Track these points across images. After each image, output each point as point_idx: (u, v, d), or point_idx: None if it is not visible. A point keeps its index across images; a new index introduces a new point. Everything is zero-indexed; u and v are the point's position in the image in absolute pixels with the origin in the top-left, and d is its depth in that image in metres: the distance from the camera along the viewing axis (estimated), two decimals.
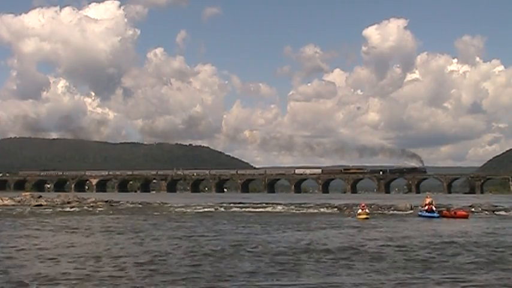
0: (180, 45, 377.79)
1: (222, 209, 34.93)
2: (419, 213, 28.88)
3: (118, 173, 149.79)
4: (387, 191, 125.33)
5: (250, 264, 11.19)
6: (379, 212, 31.96)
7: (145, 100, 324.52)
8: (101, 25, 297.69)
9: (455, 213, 27.86)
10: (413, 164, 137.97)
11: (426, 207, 28.55)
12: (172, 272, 10.13)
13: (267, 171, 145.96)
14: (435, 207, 28.61)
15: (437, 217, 27.16)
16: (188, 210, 34.15)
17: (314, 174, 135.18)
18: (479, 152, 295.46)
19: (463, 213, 27.84)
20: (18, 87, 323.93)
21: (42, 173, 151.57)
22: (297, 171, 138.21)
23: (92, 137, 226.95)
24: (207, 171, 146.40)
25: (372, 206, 34.09)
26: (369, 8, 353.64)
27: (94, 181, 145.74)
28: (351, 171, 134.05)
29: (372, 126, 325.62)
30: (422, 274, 10.11)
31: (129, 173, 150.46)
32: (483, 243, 15.43)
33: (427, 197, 30.02)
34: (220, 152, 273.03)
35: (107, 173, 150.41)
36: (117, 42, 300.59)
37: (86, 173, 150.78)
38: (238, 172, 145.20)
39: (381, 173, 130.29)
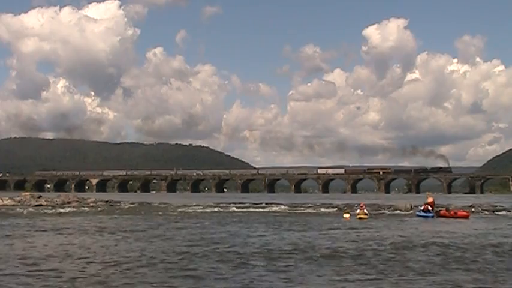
0: (179, 45, 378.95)
1: (221, 209, 34.92)
2: (417, 213, 28.89)
3: (118, 173, 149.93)
4: (387, 191, 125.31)
5: (212, 266, 10.97)
6: (379, 212, 31.93)
7: (145, 100, 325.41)
8: (101, 25, 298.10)
9: (455, 213, 27.70)
10: (440, 163, 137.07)
11: (422, 207, 28.59)
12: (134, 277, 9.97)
13: (288, 171, 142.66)
14: (431, 206, 28.45)
15: (431, 217, 27.14)
16: (187, 210, 34.14)
17: (338, 174, 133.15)
18: (479, 152, 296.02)
19: (464, 213, 27.70)
20: (17, 87, 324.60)
21: (58, 173, 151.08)
22: (319, 171, 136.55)
23: (92, 137, 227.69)
24: (207, 171, 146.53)
25: (372, 206, 34.11)
26: (368, 7, 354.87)
27: (94, 181, 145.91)
28: (375, 171, 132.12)
29: (372, 126, 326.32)
30: (374, 276, 10.03)
31: (129, 173, 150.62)
32: (465, 243, 15.21)
33: (428, 197, 29.95)
34: (220, 152, 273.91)
35: (107, 173, 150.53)
36: (117, 42, 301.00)
37: (86, 173, 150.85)
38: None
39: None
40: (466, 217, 26.92)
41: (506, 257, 12.72)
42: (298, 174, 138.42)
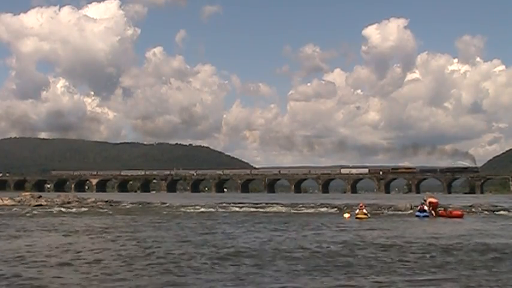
0: (179, 45, 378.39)
1: (221, 210, 34.93)
2: (416, 213, 29.15)
3: (118, 173, 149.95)
4: (387, 191, 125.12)
5: (178, 269, 10.95)
6: (379, 212, 31.96)
7: (144, 100, 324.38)
8: (100, 24, 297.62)
9: (450, 212, 28.47)
10: (465, 163, 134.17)
11: (419, 207, 29.19)
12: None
13: (310, 170, 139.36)
14: (434, 207, 28.84)
15: (423, 216, 27.65)
16: (186, 210, 34.15)
17: (361, 174, 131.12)
18: (479, 152, 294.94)
19: (458, 213, 28.49)
20: (17, 87, 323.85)
21: (75, 173, 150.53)
22: (342, 170, 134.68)
23: (92, 137, 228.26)
24: (207, 171, 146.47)
25: (372, 206, 34.11)
26: (368, 7, 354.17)
27: (94, 181, 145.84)
28: (400, 171, 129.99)
29: (372, 126, 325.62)
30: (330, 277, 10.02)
31: (129, 173, 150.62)
32: (442, 244, 15.09)
33: (428, 197, 30.56)
34: (220, 152, 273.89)
35: (107, 173, 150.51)
36: (116, 42, 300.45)
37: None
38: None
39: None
40: (460, 216, 27.63)
41: (484, 257, 12.73)
42: (322, 174, 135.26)
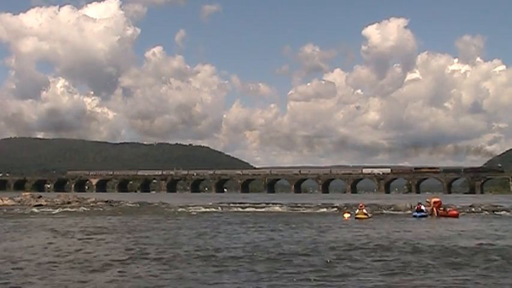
0: (179, 45, 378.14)
1: (220, 210, 34.93)
2: (413, 213, 29.40)
3: (118, 173, 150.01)
4: (387, 191, 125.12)
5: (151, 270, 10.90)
6: (379, 212, 32.01)
7: (144, 100, 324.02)
8: (100, 24, 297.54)
9: (447, 212, 29.20)
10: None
11: (416, 207, 29.78)
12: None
13: (332, 170, 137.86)
14: (436, 207, 29.24)
15: (420, 216, 28.10)
16: (186, 210, 34.15)
17: (385, 173, 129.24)
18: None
19: (454, 213, 29.29)
20: (17, 87, 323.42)
21: (90, 173, 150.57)
22: (364, 170, 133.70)
23: (92, 137, 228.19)
24: (207, 171, 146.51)
25: (372, 206, 34.16)
26: (368, 7, 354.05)
27: (94, 181, 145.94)
28: (423, 170, 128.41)
29: (372, 126, 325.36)
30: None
31: (129, 173, 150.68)
32: (424, 246, 15.00)
33: (431, 197, 31.61)
34: (220, 152, 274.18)
35: (106, 173, 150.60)
36: (116, 42, 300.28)
37: (86, 173, 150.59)
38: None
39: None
40: (456, 216, 28.35)
41: (470, 257, 12.72)
42: (344, 173, 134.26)
